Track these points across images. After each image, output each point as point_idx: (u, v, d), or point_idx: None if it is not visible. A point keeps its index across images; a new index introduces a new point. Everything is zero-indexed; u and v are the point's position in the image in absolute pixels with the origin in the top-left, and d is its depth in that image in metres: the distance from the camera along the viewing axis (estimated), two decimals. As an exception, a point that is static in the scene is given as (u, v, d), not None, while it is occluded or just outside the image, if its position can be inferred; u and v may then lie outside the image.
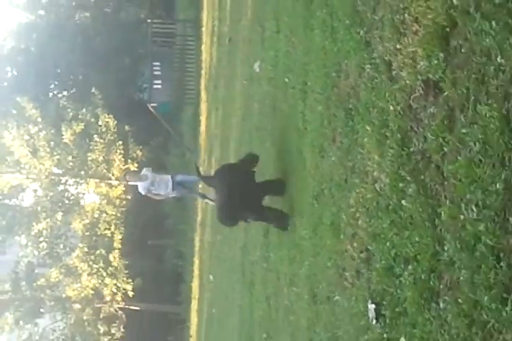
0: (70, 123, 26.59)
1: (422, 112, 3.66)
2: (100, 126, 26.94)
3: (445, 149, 3.34)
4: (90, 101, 27.36)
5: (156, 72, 23.97)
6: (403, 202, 3.78)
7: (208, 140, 18.89)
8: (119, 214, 28.07)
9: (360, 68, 4.67)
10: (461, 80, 3.20)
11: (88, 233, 27.72)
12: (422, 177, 3.58)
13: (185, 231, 25.20)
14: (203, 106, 20.68)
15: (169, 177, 12.04)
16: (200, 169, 11.81)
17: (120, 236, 27.74)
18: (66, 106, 27.47)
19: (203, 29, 21.62)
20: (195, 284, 21.43)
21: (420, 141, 3.64)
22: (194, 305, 21.62)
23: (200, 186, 15.26)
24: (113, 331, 28.57)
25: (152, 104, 24.04)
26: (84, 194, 28.85)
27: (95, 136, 26.93)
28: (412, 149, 3.74)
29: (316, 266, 5.68)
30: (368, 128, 4.42)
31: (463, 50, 3.22)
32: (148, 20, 25.36)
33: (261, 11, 9.98)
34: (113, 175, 27.44)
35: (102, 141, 26.93)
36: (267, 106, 8.76)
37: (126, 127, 27.51)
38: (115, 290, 27.88)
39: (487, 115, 2.95)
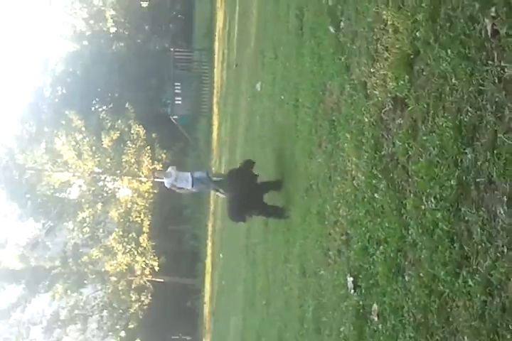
0: (108, 131, 26.58)
1: (391, 123, 3.65)
2: (132, 134, 26.91)
3: (410, 152, 3.34)
4: (124, 114, 27.36)
5: (177, 91, 23.97)
6: (376, 195, 3.77)
7: (218, 145, 18.87)
8: (147, 205, 28.03)
9: (342, 87, 4.66)
10: (423, 97, 3.20)
11: (122, 220, 27.70)
12: (391, 175, 3.57)
13: (200, 219, 25.17)
14: (215, 118, 20.66)
15: (189, 174, 11.99)
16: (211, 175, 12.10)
17: (148, 223, 27.71)
18: (105, 118, 27.44)
19: (215, 56, 21.60)
20: (208, 261, 21.41)
21: (390, 146, 3.64)
22: (207, 278, 21.60)
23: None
24: (142, 298, 28.57)
25: (174, 117, 24.07)
26: (119, 188, 28.83)
27: (128, 142, 26.91)
28: (383, 153, 3.73)
29: (305, 247, 5.67)
30: (347, 135, 4.41)
31: (424, 73, 3.22)
32: (171, 49, 25.33)
33: (262, 42, 9.96)
34: (142, 173, 27.41)
35: (133, 146, 26.89)
36: (267, 118, 8.75)
37: (153, 135, 27.46)
38: (144, 266, 27.84)
39: (443, 125, 2.94)
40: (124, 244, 27.43)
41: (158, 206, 28.50)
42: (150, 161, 27.21)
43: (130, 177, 27.67)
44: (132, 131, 26.90)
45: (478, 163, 2.64)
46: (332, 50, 4.99)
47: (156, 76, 30.77)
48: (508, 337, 2.36)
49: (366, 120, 4.01)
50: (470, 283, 2.62)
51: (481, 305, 2.53)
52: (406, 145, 3.36)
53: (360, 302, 3.89)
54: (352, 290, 4.05)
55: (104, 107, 29.91)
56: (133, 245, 27.43)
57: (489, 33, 2.62)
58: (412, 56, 3.36)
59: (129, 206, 27.77)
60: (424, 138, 3.14)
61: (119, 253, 27.45)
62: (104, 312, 28.87)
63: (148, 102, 30.17)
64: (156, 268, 27.70)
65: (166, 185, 12.05)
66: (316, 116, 5.47)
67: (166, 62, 25.53)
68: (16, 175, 27.54)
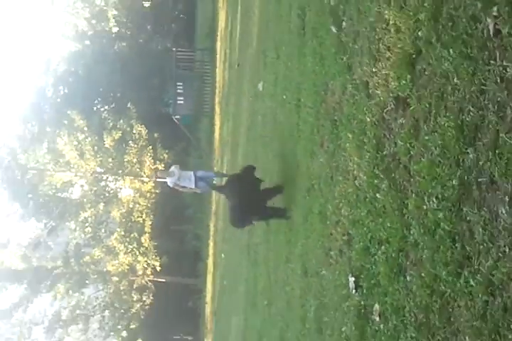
0: (110, 131, 26.59)
1: (393, 123, 3.65)
2: (134, 134, 26.92)
3: (411, 152, 3.33)
4: (126, 113, 27.35)
5: (179, 91, 23.96)
6: (377, 195, 3.77)
7: (220, 145, 18.87)
8: (149, 205, 28.04)
9: (344, 87, 4.66)
10: (425, 97, 3.20)
11: (124, 220, 27.70)
12: (393, 175, 3.57)
13: (202, 219, 25.17)
14: (217, 118, 20.66)
15: (192, 173, 11.99)
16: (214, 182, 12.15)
17: (150, 223, 27.72)
18: (107, 118, 27.44)
19: (217, 56, 21.60)
20: (210, 261, 21.41)
21: (391, 146, 3.63)
22: (209, 278, 21.61)
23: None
24: (144, 298, 28.60)
25: (176, 116, 24.08)
26: (121, 188, 28.85)
27: (130, 142, 26.92)
28: (385, 152, 3.72)
29: (307, 247, 5.67)
30: (349, 135, 4.41)
31: (426, 73, 3.21)
32: (173, 49, 25.35)
33: (264, 42, 9.96)
34: (144, 173, 27.42)
35: (135, 145, 26.89)
36: (269, 118, 8.75)
37: (155, 135, 27.47)
38: (146, 266, 27.86)
39: (445, 125, 2.94)
40: (126, 243, 27.44)
41: (160, 206, 28.52)
42: (152, 161, 27.22)
43: (132, 177, 27.68)
44: (134, 131, 26.91)
45: (480, 163, 2.64)
46: (334, 49, 4.99)
47: (158, 76, 30.78)
48: (510, 337, 2.36)
49: (368, 120, 4.01)
50: (472, 283, 2.62)
51: (483, 305, 2.53)
52: (408, 145, 3.36)
53: (362, 303, 3.88)
54: (353, 290, 4.04)
55: (106, 107, 29.95)
56: (135, 245, 27.45)
57: (491, 33, 2.61)
58: (414, 56, 3.36)
59: (131, 206, 27.78)
60: (426, 137, 3.13)
61: (121, 253, 27.47)
62: (106, 312, 28.89)
63: (150, 102, 30.18)
64: (158, 268, 27.71)
65: (169, 184, 12.06)
66: (318, 116, 5.47)
67: (168, 62, 25.54)
68: (18, 175, 27.58)
